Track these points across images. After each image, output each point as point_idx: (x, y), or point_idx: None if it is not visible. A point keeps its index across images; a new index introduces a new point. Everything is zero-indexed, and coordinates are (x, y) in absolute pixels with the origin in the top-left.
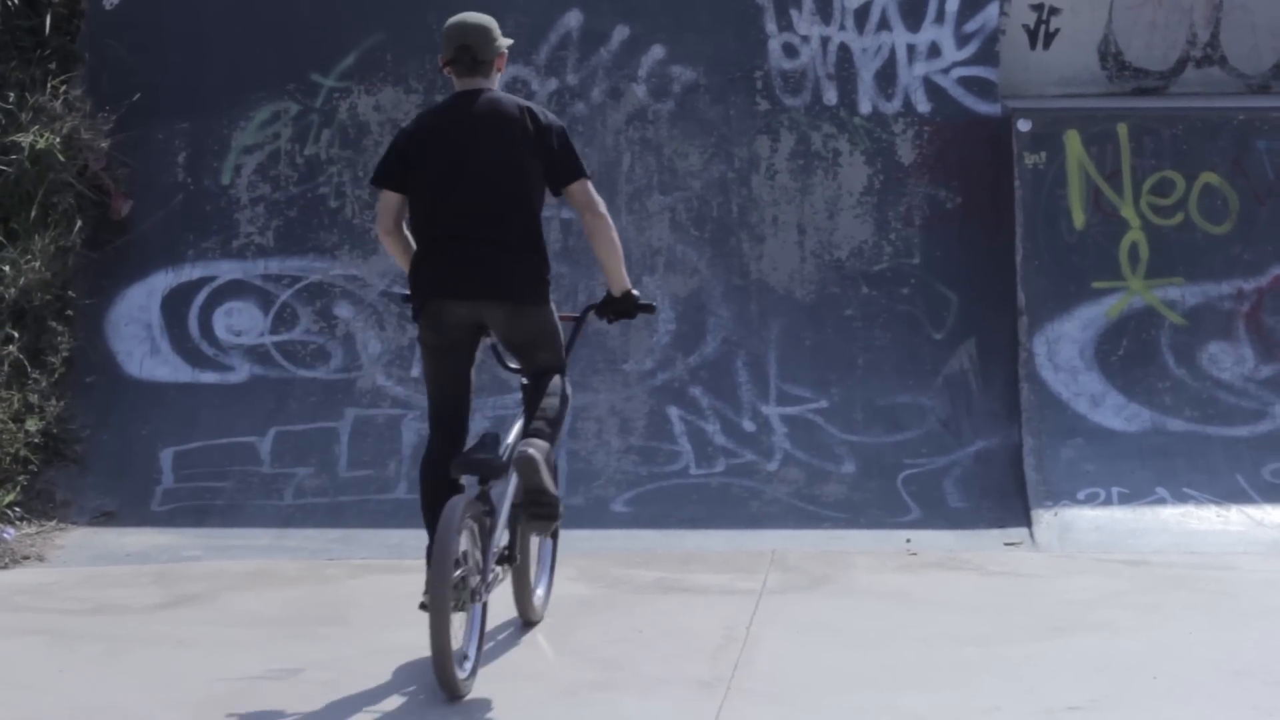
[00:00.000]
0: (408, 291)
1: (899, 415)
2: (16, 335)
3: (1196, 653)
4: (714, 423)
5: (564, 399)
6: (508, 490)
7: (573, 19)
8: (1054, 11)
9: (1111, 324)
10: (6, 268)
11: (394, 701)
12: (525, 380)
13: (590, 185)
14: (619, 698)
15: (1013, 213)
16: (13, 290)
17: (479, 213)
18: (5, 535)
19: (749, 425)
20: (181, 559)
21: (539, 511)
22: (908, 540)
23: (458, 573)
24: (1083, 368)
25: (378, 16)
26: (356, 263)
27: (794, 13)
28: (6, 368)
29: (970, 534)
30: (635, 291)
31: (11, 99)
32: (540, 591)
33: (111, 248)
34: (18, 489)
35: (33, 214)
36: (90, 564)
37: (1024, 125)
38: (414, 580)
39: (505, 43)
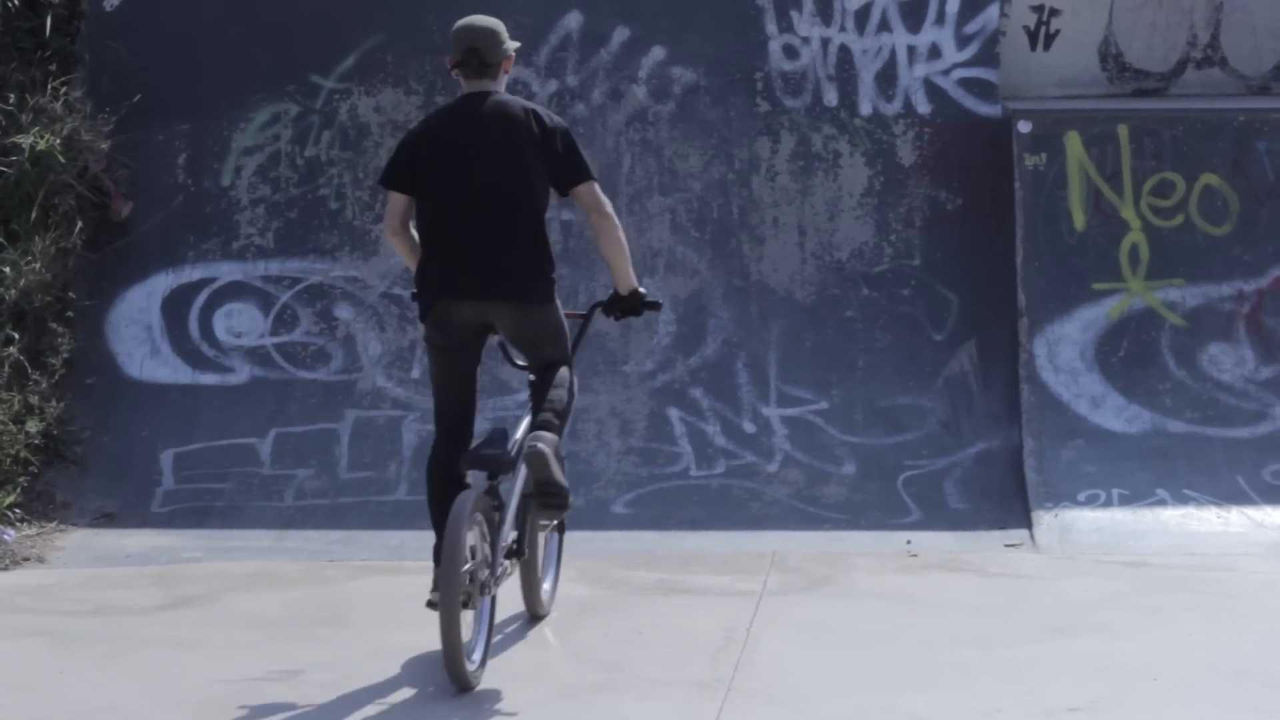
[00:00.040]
0: (415, 290)
1: (899, 416)
2: (17, 336)
3: (1197, 654)
4: (714, 424)
5: (571, 390)
6: (516, 485)
7: (573, 20)
8: (1054, 13)
9: (1112, 325)
10: (7, 269)
11: (394, 703)
12: (532, 377)
13: (596, 187)
14: (619, 699)
15: (1013, 214)
16: (13, 292)
17: (484, 214)
18: (5, 537)
19: (749, 427)
20: (182, 560)
21: (549, 501)
22: (908, 541)
23: (467, 567)
24: (1083, 369)
25: (378, 18)
26: (357, 264)
27: (794, 14)
28: (7, 369)
29: (971, 535)
30: (642, 289)
31: (12, 100)
32: (547, 586)
33: (112, 249)
34: (18, 490)
35: (33, 215)
36: (90, 565)
37: (1024, 126)
38: (414, 582)
39: (513, 45)
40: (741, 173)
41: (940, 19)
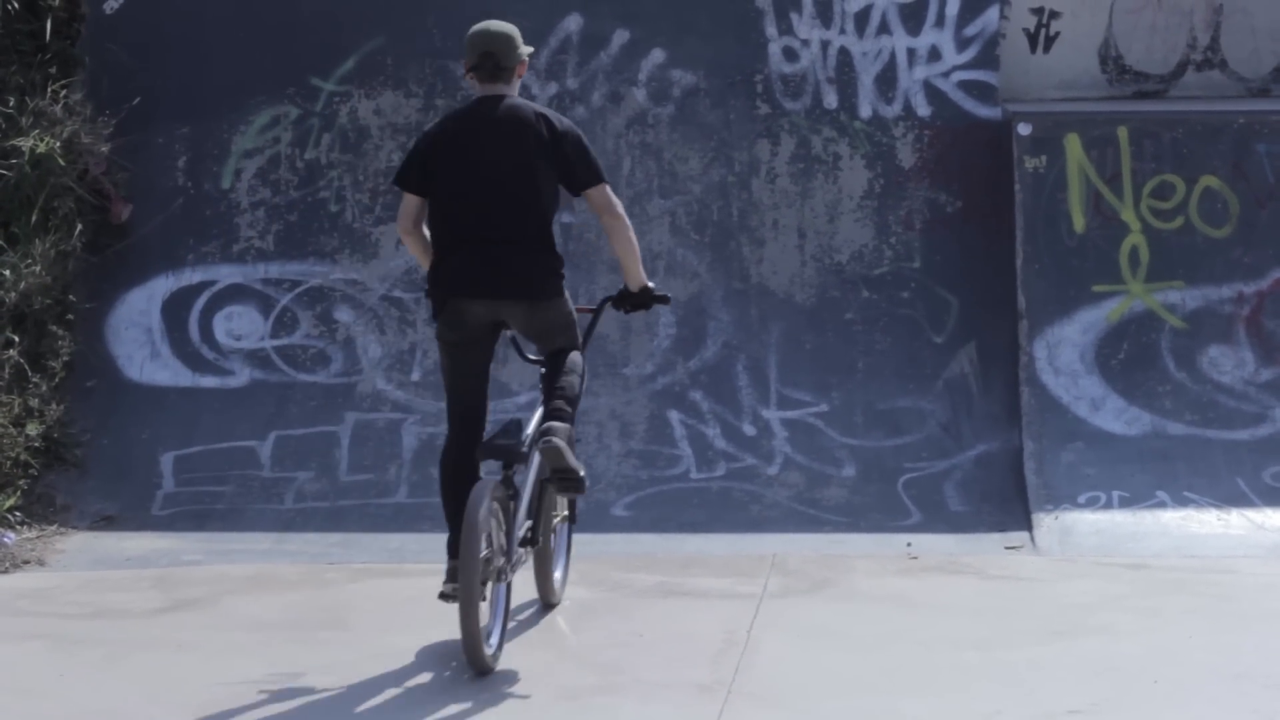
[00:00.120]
0: (427, 289)
1: (899, 419)
2: (17, 339)
3: (1197, 656)
4: (714, 427)
5: (582, 374)
6: (529, 476)
7: (572, 23)
8: (1054, 15)
9: (1112, 327)
10: (7, 272)
11: (394, 705)
12: (544, 369)
13: (608, 189)
14: (619, 702)
15: (1013, 216)
16: (13, 294)
17: (494, 214)
18: (5, 540)
19: (749, 429)
20: (182, 563)
21: (567, 485)
22: (908, 544)
23: (484, 554)
24: (1083, 371)
25: (378, 20)
26: (357, 267)
27: (794, 16)
28: (7, 372)
29: (971, 538)
30: (651, 284)
31: (12, 103)
32: (558, 574)
33: (112, 252)
34: (18, 493)
35: (33, 218)
36: (90, 568)
37: (1024, 129)
38: (414, 584)
39: (526, 50)
40: (741, 175)
41: (940, 21)
